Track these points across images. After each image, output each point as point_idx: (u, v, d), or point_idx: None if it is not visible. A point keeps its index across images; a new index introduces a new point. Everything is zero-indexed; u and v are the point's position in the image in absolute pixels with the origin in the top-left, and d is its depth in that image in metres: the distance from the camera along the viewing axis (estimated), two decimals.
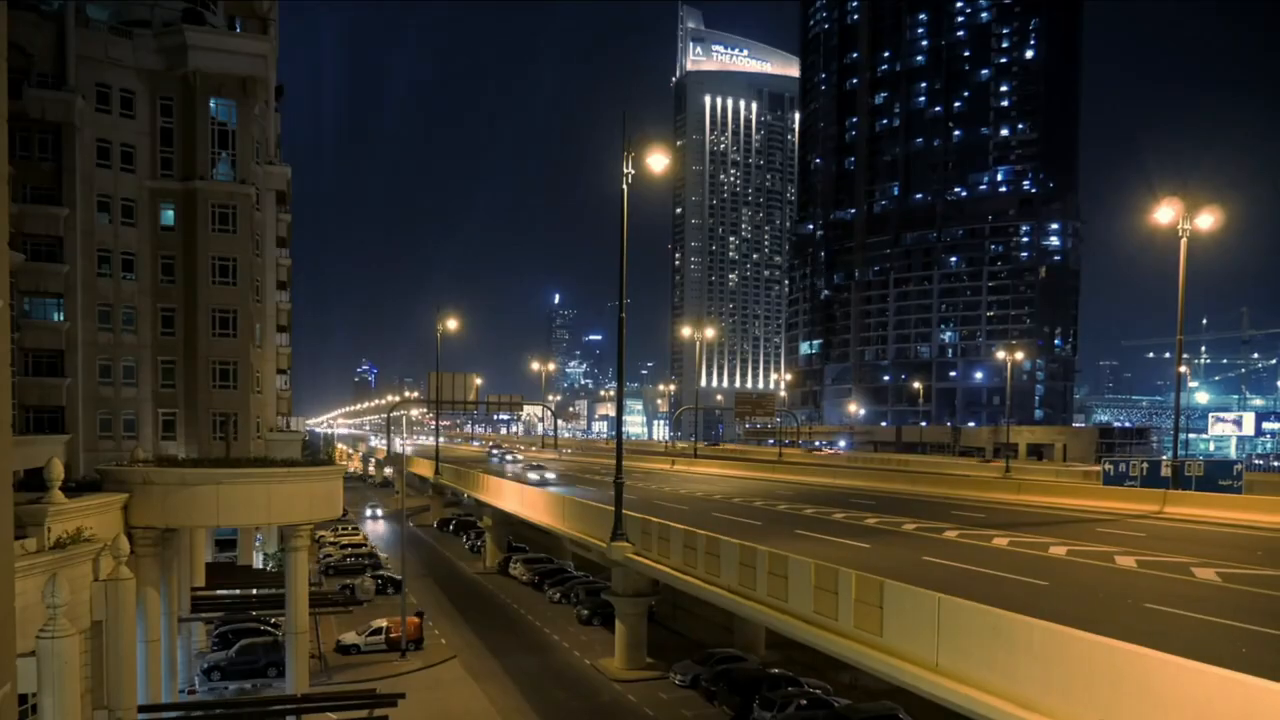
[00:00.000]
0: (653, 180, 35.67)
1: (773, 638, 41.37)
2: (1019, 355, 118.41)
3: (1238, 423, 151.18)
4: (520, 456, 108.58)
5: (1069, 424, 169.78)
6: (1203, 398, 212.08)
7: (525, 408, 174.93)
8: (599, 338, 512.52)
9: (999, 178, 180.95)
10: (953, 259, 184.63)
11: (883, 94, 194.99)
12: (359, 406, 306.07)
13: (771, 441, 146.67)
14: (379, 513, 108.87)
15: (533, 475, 66.66)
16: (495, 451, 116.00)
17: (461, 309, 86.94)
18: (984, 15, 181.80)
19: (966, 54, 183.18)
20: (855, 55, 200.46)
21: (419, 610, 48.07)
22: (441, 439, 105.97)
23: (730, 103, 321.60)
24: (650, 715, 35.30)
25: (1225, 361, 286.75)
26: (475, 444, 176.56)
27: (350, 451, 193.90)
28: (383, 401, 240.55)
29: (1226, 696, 12.41)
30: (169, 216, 45.88)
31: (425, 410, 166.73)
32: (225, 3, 52.08)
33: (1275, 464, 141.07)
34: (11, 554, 12.83)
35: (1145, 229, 43.84)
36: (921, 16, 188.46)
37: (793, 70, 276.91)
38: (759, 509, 44.70)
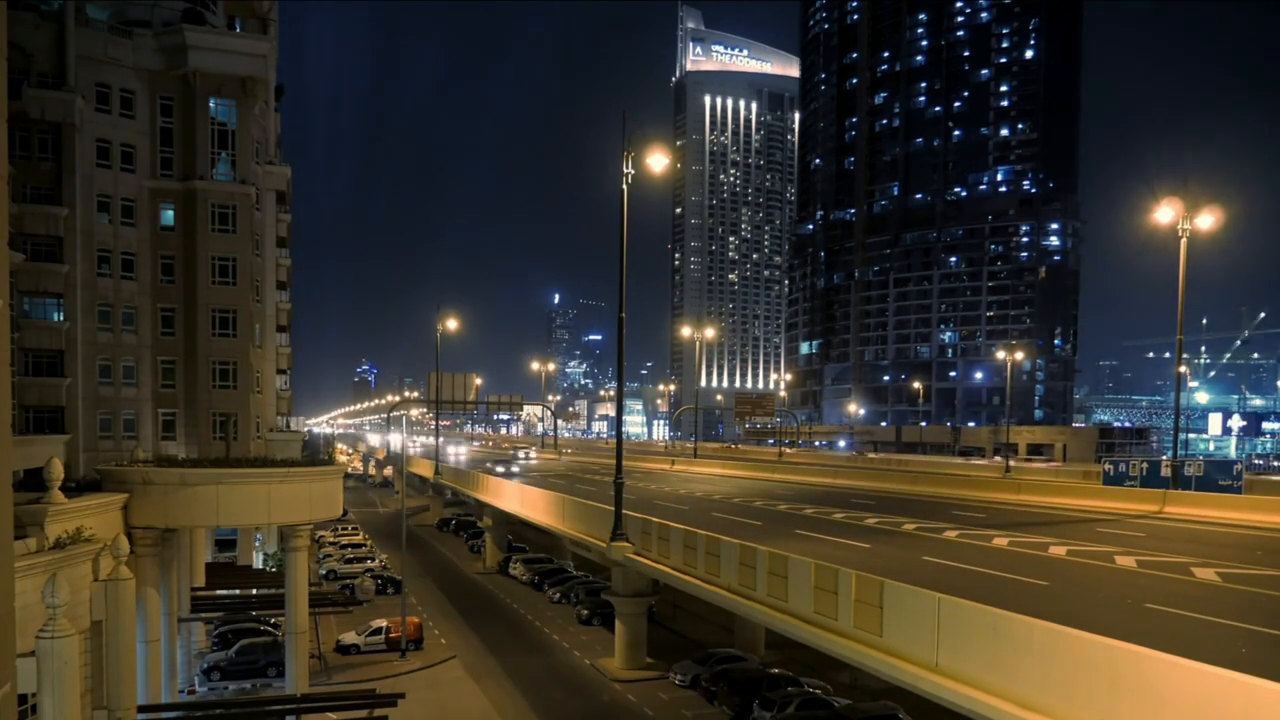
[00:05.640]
0: (653, 180, 35.68)
1: (773, 638, 41.38)
2: (1019, 355, 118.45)
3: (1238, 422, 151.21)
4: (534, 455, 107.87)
5: (1069, 424, 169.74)
6: (1202, 398, 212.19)
7: (525, 408, 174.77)
8: (599, 338, 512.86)
9: (999, 178, 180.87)
10: (952, 259, 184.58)
11: (882, 94, 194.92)
12: (359, 406, 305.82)
13: (771, 441, 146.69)
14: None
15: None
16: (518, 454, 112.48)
17: (461, 309, 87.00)
18: (984, 15, 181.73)
19: (966, 54, 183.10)
20: (855, 55, 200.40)
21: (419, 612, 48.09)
22: (441, 439, 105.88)
23: (730, 103, 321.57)
24: (650, 715, 35.30)
25: (1225, 361, 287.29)
26: (475, 444, 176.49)
27: (350, 451, 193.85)
28: (383, 401, 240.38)
29: (1226, 696, 12.41)
30: (169, 216, 45.87)
31: (425, 410, 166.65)
32: (225, 3, 52.08)
33: (1275, 464, 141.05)
34: (11, 554, 12.83)
35: (1145, 229, 43.86)
36: (921, 16, 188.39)
37: (793, 70, 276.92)
38: (759, 509, 44.70)
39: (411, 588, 54.97)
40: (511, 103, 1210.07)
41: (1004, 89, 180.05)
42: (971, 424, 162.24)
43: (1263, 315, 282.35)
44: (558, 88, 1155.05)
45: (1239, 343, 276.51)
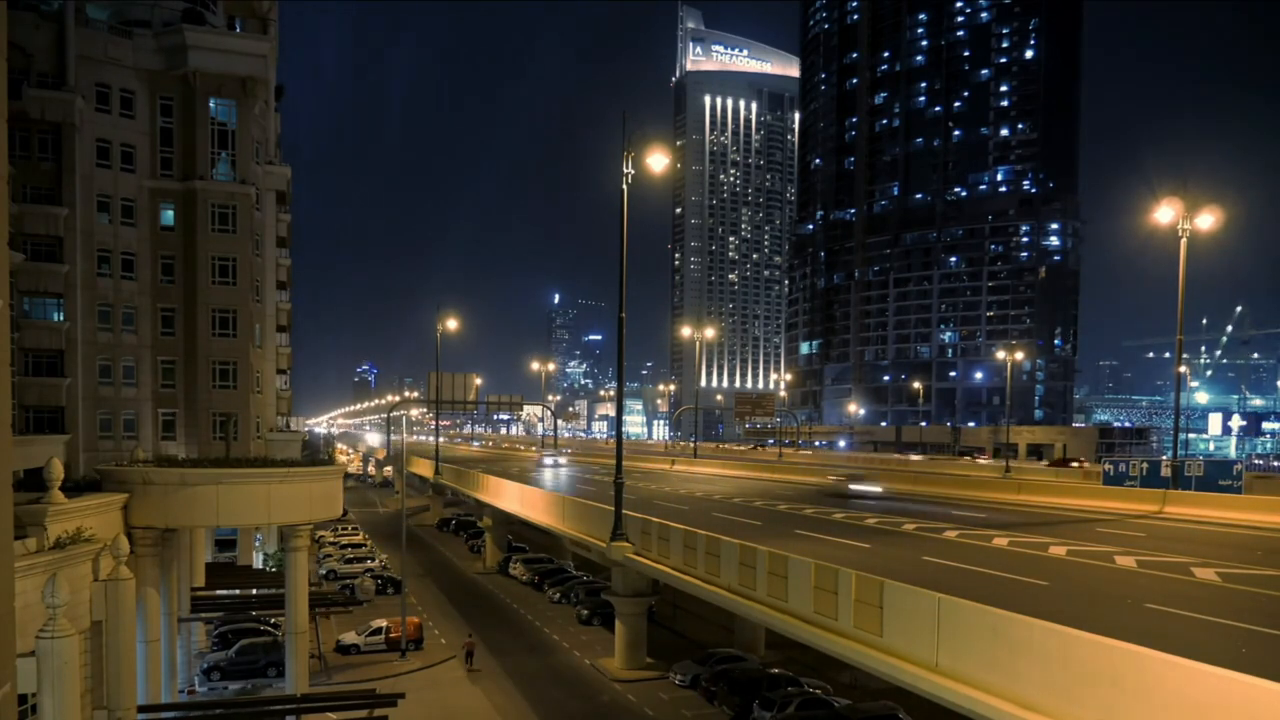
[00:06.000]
0: (653, 180, 35.69)
1: (773, 638, 41.38)
2: (1019, 355, 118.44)
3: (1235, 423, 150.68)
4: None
5: (1069, 424, 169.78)
6: (1203, 398, 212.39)
7: (525, 408, 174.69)
8: (599, 338, 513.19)
9: (999, 178, 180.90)
10: (952, 259, 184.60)
11: (882, 94, 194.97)
12: (359, 406, 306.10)
13: (771, 441, 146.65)
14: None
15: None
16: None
17: (461, 309, 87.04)
18: (984, 15, 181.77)
19: (966, 54, 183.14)
20: (855, 55, 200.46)
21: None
22: (441, 439, 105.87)
23: (730, 103, 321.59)
24: (650, 715, 35.30)
25: (1225, 361, 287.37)
26: (476, 444, 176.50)
27: (350, 451, 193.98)
28: (383, 401, 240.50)
29: (1227, 696, 12.41)
30: (169, 216, 45.87)
31: (425, 410, 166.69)
32: (225, 3, 52.08)
33: (1275, 464, 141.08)
34: (11, 554, 12.83)
35: (1145, 229, 43.86)
36: (921, 16, 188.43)
37: (793, 70, 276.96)
38: (759, 509, 44.69)
39: (411, 588, 54.98)
40: (511, 103, 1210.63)
41: (1004, 89, 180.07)
42: (971, 424, 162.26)
43: (1239, 309, 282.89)
44: (558, 87, 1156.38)
45: (1224, 340, 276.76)
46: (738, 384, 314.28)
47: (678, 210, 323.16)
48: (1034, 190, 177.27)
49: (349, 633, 44.76)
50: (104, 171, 43.73)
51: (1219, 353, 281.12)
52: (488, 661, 43.10)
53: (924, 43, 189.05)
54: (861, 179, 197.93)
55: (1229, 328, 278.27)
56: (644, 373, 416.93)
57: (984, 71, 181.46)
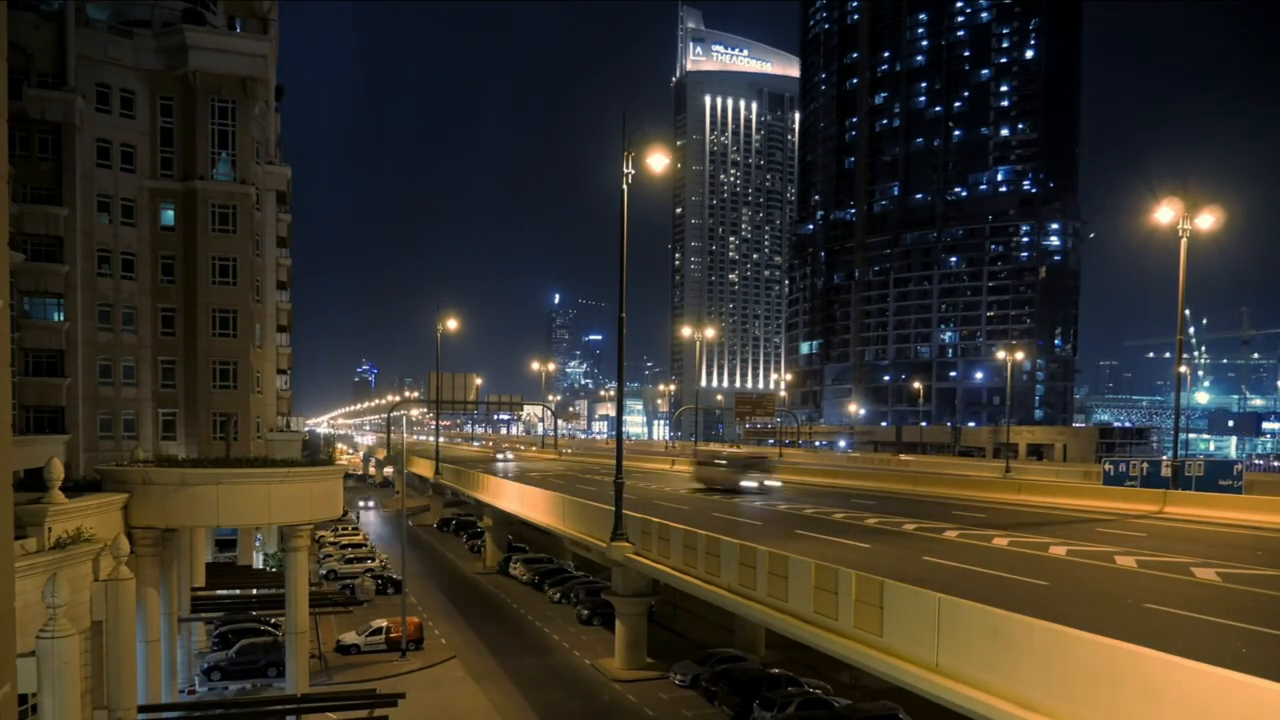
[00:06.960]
0: (653, 180, 35.67)
1: (773, 638, 41.37)
2: (1019, 355, 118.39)
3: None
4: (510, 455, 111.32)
5: (1069, 424, 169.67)
6: (1203, 398, 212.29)
7: (525, 408, 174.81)
8: (599, 338, 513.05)
9: (999, 178, 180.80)
10: (953, 259, 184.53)
11: (883, 94, 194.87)
12: (359, 406, 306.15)
13: (771, 441, 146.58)
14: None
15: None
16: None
17: (461, 309, 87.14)
18: (984, 15, 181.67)
19: (966, 54, 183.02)
20: (855, 55, 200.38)
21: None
22: (441, 439, 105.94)
23: (730, 103, 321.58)
24: (650, 715, 35.30)
25: (1225, 361, 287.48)
26: (475, 444, 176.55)
27: (350, 451, 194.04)
28: (383, 401, 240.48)
29: (1227, 696, 12.40)
30: (169, 216, 45.91)
31: (425, 410, 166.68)
32: (225, 3, 52.12)
33: (1275, 464, 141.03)
34: (11, 554, 12.82)
35: (1145, 229, 43.84)
36: (921, 16, 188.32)
37: (793, 70, 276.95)
38: (759, 509, 44.67)
39: (412, 588, 54.98)
40: (511, 102, 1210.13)
41: (1004, 89, 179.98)
42: (971, 424, 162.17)
43: (1188, 312, 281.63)
44: (558, 87, 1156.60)
45: (1195, 341, 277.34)
46: (738, 384, 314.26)
47: (678, 210, 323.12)
48: (1034, 190, 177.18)
49: (349, 633, 44.76)
50: (104, 171, 43.76)
51: (1199, 355, 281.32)
52: (488, 661, 43.12)
53: (924, 43, 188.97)
54: (861, 179, 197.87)
55: (1191, 329, 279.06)
56: (644, 373, 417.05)
57: (984, 71, 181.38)
